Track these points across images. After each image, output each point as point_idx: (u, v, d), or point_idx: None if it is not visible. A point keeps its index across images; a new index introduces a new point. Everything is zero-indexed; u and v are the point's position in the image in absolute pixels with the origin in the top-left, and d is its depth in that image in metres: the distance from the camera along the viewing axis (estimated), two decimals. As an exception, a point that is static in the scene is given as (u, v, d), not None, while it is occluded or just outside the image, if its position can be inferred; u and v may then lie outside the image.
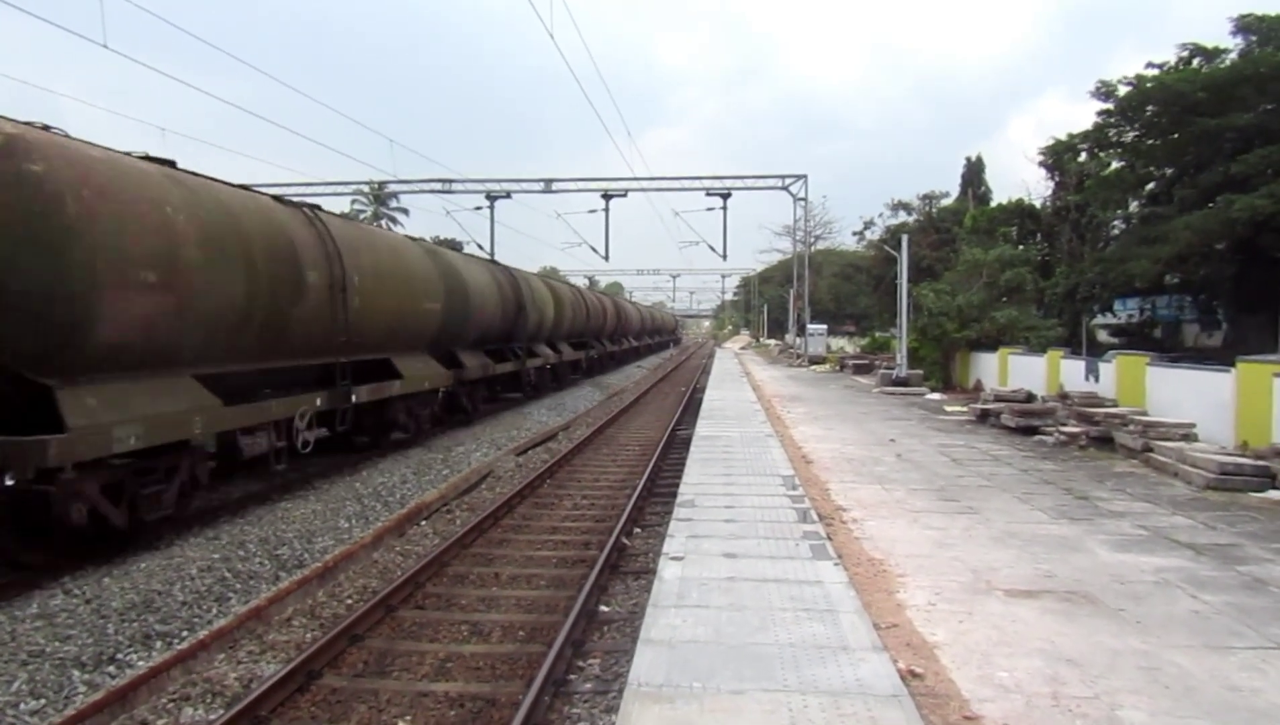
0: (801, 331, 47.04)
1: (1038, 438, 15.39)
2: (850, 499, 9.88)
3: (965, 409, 20.09)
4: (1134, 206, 31.38)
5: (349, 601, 7.58)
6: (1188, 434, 13.08)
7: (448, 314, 16.67)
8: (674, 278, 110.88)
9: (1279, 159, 22.14)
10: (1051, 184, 35.11)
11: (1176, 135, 25.51)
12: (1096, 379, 17.96)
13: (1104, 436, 14.13)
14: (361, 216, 56.38)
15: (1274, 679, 4.93)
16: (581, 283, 56.57)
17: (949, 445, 14.54)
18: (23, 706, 5.40)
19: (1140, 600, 6.31)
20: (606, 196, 39.65)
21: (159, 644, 6.54)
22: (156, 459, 8.69)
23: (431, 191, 41.89)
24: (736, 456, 12.44)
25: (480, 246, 40.79)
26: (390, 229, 31.36)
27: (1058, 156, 31.64)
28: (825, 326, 51.35)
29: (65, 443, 7.21)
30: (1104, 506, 9.69)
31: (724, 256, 43.15)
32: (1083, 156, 31.18)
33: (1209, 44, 27.16)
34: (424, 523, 10.48)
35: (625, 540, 9.21)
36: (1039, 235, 35.74)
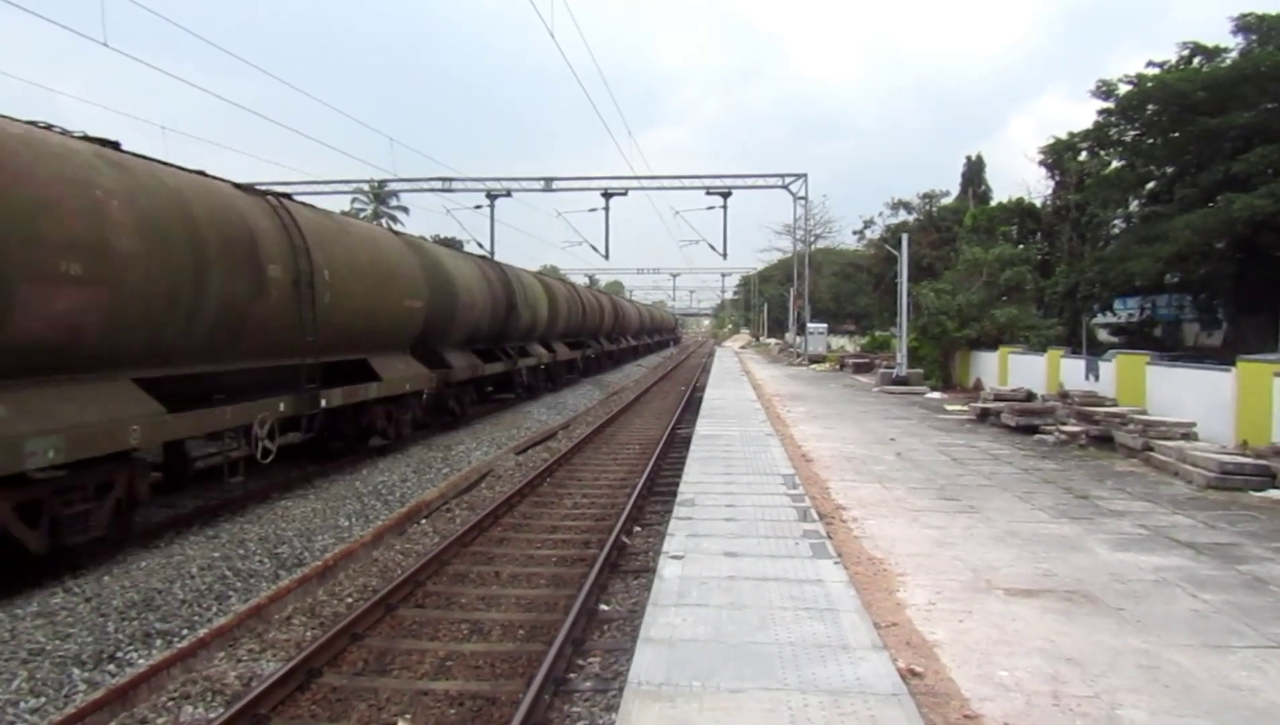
0: (801, 330, 47.03)
1: (1038, 437, 15.38)
2: (850, 498, 9.88)
3: (965, 408, 20.10)
4: (1134, 205, 31.37)
5: (349, 600, 7.58)
6: (1188, 433, 13.09)
7: (432, 312, 15.98)
8: (674, 277, 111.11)
9: (1279, 158, 22.14)
10: (1052, 183, 35.10)
11: (1177, 134, 25.49)
12: (1097, 378, 17.96)
13: (1104, 435, 14.13)
14: (362, 215, 56.38)
15: (1274, 678, 4.93)
16: (582, 282, 56.47)
17: (949, 444, 14.54)
18: (23, 705, 5.40)
19: (1140, 599, 6.31)
20: (607, 195, 39.66)
21: (159, 642, 6.54)
22: (85, 474, 7.79)
23: (432, 190, 41.94)
24: (736, 455, 12.44)
25: (480, 245, 40.83)
26: (390, 227, 31.16)
27: (1058, 155, 31.62)
28: (825, 325, 51.35)
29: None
30: (1104, 505, 9.69)
31: (724, 255, 43.22)
32: (1083, 155, 31.15)
33: (1209, 43, 27.17)
34: (424, 521, 10.48)
35: (625, 539, 9.21)
36: (1039, 234, 35.72)
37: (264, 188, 11.64)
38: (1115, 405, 15.74)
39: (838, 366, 38.62)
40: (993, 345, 25.72)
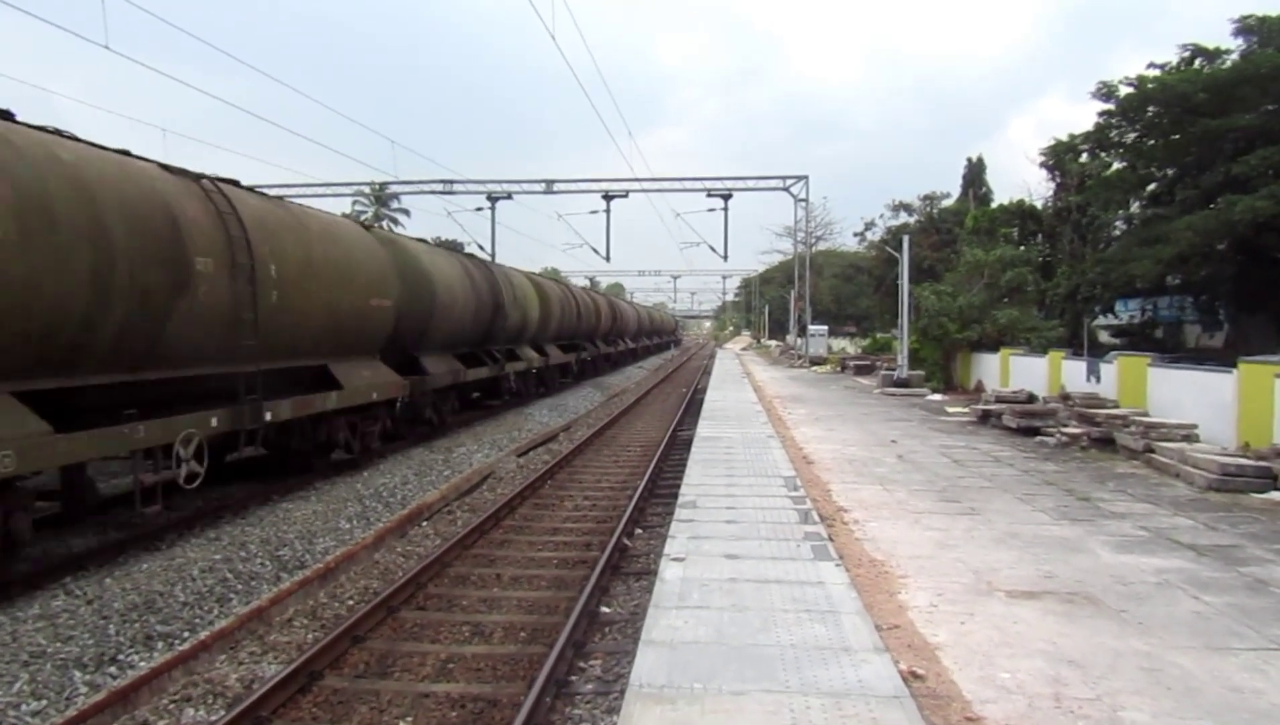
0: (802, 332, 47.02)
1: (1039, 439, 15.37)
2: (852, 500, 9.87)
3: (966, 410, 20.08)
4: (1135, 207, 31.38)
5: (350, 602, 7.58)
6: (1189, 435, 13.07)
7: (405, 312, 14.75)
8: (675, 279, 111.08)
9: (1280, 160, 22.15)
10: (1052, 185, 35.10)
11: (1178, 136, 25.50)
12: (1098, 380, 17.95)
13: (1105, 437, 14.12)
14: (363, 217, 56.40)
15: (1276, 680, 4.92)
16: (583, 284, 56.45)
17: (950, 446, 14.53)
18: (24, 707, 5.40)
19: (1142, 601, 6.31)
20: (607, 197, 39.66)
21: (160, 645, 6.54)
22: None
23: (433, 192, 41.94)
24: (738, 457, 12.44)
25: (481, 247, 40.87)
26: (391, 230, 31.03)
27: (1059, 157, 31.62)
28: (826, 327, 51.35)
29: None
30: (1105, 507, 9.68)
31: (725, 257, 43.19)
32: (1084, 157, 31.15)
33: (1210, 45, 27.18)
34: (425, 523, 10.49)
35: (626, 541, 9.21)
36: (1040, 236, 35.72)
37: (208, 174, 10.19)
38: (1116, 407, 15.73)
39: (839, 368, 38.61)
40: (994, 347, 25.71)
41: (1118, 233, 32.21)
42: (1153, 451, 12.57)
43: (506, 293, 21.24)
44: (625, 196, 40.06)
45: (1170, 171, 28.35)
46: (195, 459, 9.07)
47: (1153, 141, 27.18)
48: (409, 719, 5.31)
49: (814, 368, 40.83)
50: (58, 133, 8.14)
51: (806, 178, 41.55)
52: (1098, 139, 28.48)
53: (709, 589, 6.28)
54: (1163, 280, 27.85)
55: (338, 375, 12.37)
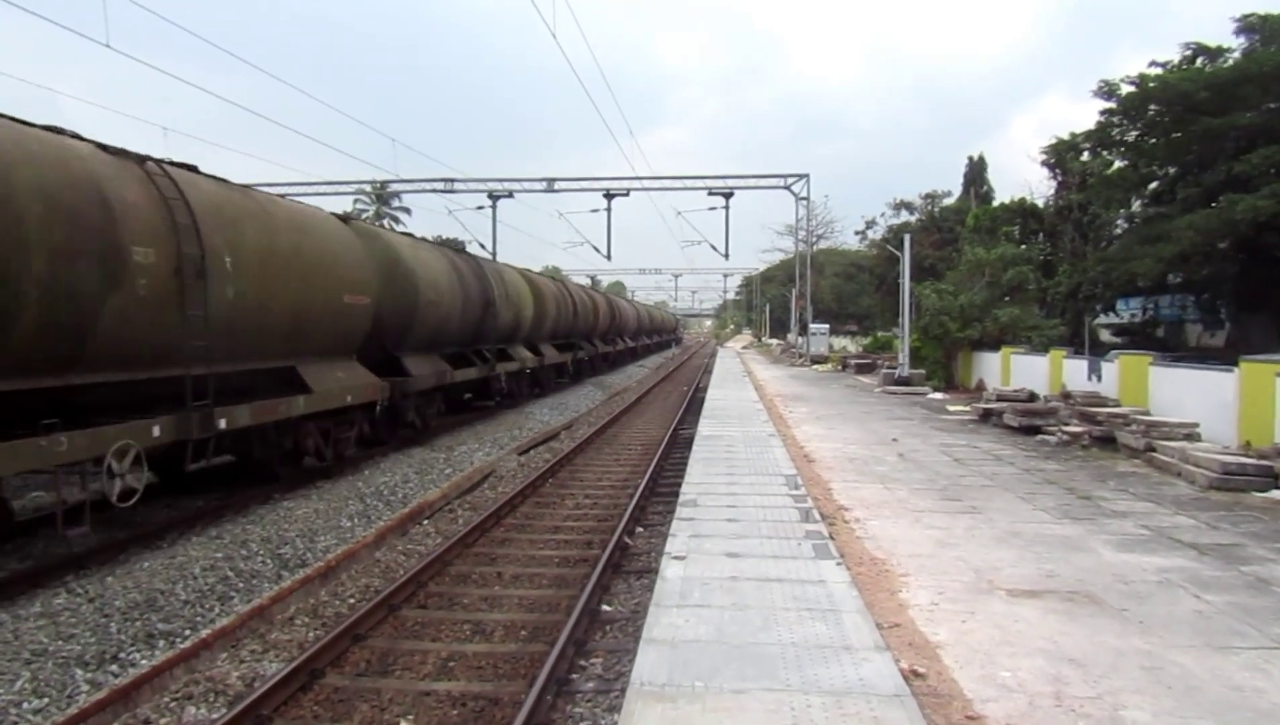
0: (804, 331, 47.02)
1: (1040, 437, 15.37)
2: (853, 498, 9.87)
3: (968, 408, 20.08)
4: (1136, 206, 31.33)
5: (351, 600, 7.59)
6: (1191, 434, 13.07)
7: (385, 310, 14.00)
8: (676, 277, 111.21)
9: (1282, 158, 22.10)
10: (1054, 183, 35.06)
11: (1179, 134, 25.44)
12: (1099, 378, 17.94)
13: (1107, 436, 14.12)
14: (364, 216, 56.41)
15: (1277, 679, 4.92)
16: (584, 282, 56.42)
17: (951, 445, 14.53)
18: (26, 705, 5.41)
19: (1143, 600, 6.31)
20: (608, 196, 39.69)
21: (162, 643, 6.55)
22: None
23: (434, 191, 41.96)
24: (739, 456, 12.44)
25: (483, 246, 40.84)
26: (392, 228, 30.88)
27: (1060, 156, 31.57)
28: (827, 326, 51.37)
29: None
30: (1107, 506, 9.68)
31: (726, 256, 43.29)
32: (1085, 156, 31.10)
33: (1211, 43, 27.13)
34: (426, 522, 10.49)
35: (627, 539, 9.21)
36: (1041, 234, 35.68)
37: (159, 159, 9.34)
38: (1118, 406, 15.72)
39: (840, 367, 38.61)
40: (995, 346, 25.71)
41: (1119, 231, 32.18)
42: (1154, 450, 12.56)
43: (498, 290, 20.43)
44: (626, 195, 40.11)
45: (1172, 170, 28.31)
46: (135, 473, 8.10)
47: (1154, 140, 27.14)
48: (410, 717, 5.31)
49: (815, 366, 40.82)
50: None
51: (808, 176, 41.59)
52: (1099, 137, 28.43)
53: (710, 587, 6.29)
54: (1164, 279, 27.81)
55: (307, 378, 11.49)
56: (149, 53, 19.37)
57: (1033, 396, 18.55)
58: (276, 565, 8.54)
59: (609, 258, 41.97)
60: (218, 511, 10.13)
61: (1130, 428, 13.61)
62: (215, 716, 5.22)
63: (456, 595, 7.65)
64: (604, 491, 12.08)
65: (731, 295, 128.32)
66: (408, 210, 65.49)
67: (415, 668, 6.08)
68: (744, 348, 75.73)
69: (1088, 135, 28.76)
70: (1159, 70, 26.74)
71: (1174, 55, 27.84)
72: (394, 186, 47.17)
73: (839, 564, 6.90)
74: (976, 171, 50.71)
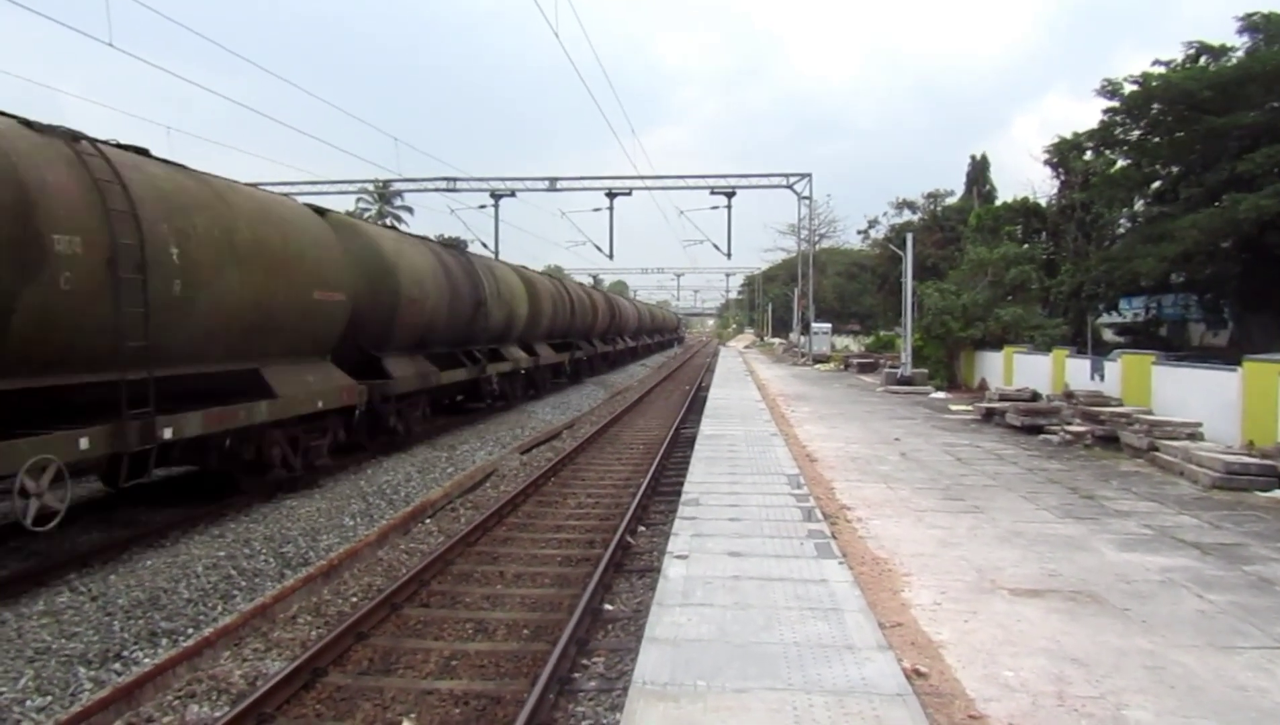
0: (806, 330, 47.02)
1: (1043, 437, 15.35)
2: (855, 498, 9.87)
3: (970, 408, 20.06)
4: (1139, 205, 31.30)
5: (354, 599, 7.60)
6: (1193, 433, 13.05)
7: (363, 308, 13.22)
8: (678, 276, 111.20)
9: (1285, 158, 22.05)
10: (1056, 182, 35.03)
11: (1182, 134, 25.40)
12: (1102, 378, 17.92)
13: (1109, 435, 14.10)
14: (366, 215, 56.45)
15: (1280, 679, 4.91)
16: (586, 281, 56.38)
17: (954, 444, 14.52)
18: (29, 703, 5.42)
19: (1146, 600, 6.30)
20: (611, 195, 39.68)
21: (165, 641, 6.56)
22: None
23: (436, 190, 41.96)
24: (741, 455, 12.43)
25: (485, 245, 40.78)
26: (395, 227, 30.77)
27: (1063, 155, 31.55)
28: (830, 325, 51.44)
29: None
30: (1109, 506, 9.67)
31: (728, 255, 43.44)
32: (1088, 155, 31.08)
33: (1215, 42, 27.10)
34: (428, 520, 10.50)
35: (630, 538, 9.21)
36: (1044, 234, 35.65)
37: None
38: (1120, 405, 15.71)
39: (842, 366, 38.60)
40: (997, 345, 25.69)
41: (1122, 230, 32.14)
42: (1157, 450, 12.54)
43: (489, 287, 19.58)
44: (629, 194, 40.10)
45: (1175, 169, 28.27)
46: (57, 491, 7.33)
47: (1157, 139, 27.10)
48: (412, 716, 5.31)
49: (817, 366, 40.82)
50: None
51: (810, 175, 41.54)
52: (1102, 136, 28.39)
53: (712, 586, 6.28)
54: (1167, 278, 27.79)
55: (271, 381, 10.65)
56: (151, 52, 19.36)
57: (1035, 396, 18.53)
58: (279, 564, 8.55)
59: (611, 257, 42.00)
60: (220, 510, 10.14)
61: (1133, 427, 13.59)
62: (218, 715, 5.23)
63: (459, 594, 7.65)
64: (606, 490, 12.08)
65: (734, 295, 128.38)
66: (410, 210, 65.64)
67: (418, 666, 6.08)
68: (746, 347, 75.71)
69: (1090, 134, 28.73)
70: (1162, 69, 26.70)
71: (1177, 54, 27.84)
72: (397, 186, 47.22)
73: (841, 563, 6.90)
74: (979, 171, 50.66)
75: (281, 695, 5.42)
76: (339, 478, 12.28)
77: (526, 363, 23.22)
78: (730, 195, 39.69)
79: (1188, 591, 6.51)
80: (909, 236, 30.18)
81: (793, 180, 41.68)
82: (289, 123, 65.15)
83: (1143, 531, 8.44)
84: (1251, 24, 25.92)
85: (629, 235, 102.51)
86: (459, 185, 41.30)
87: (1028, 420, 16.20)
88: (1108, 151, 29.93)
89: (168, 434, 8.61)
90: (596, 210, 41.13)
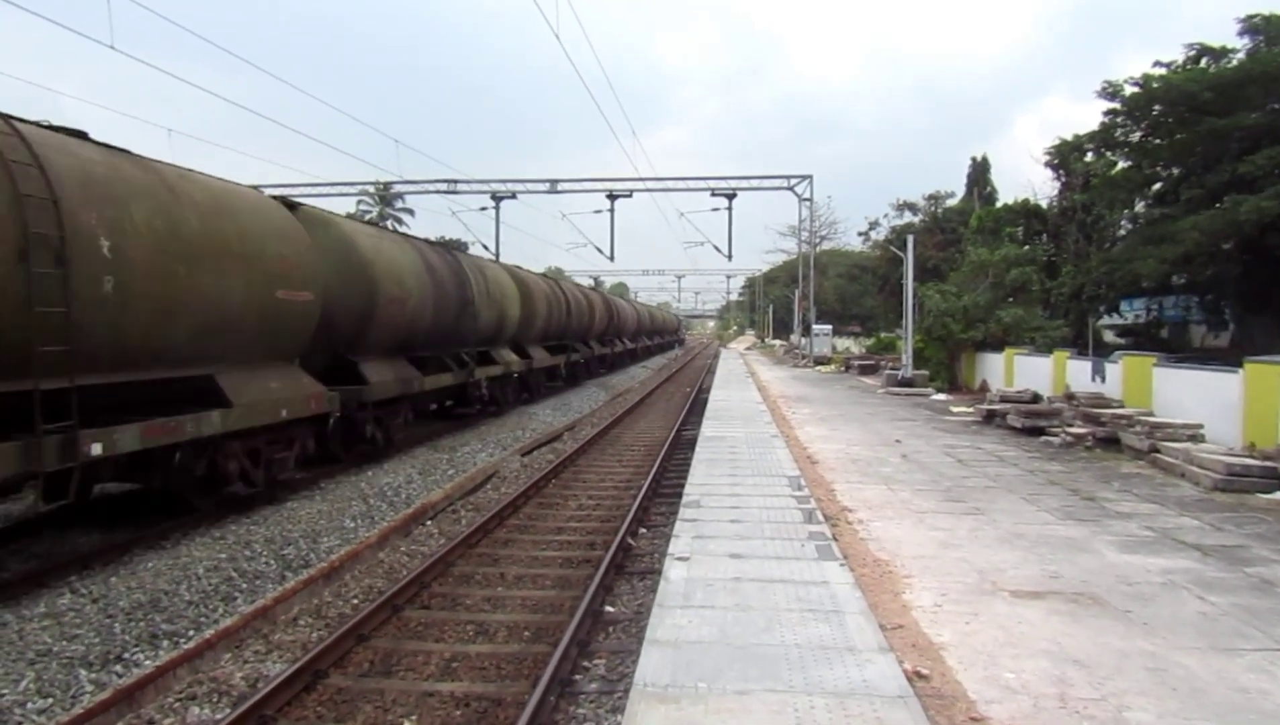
0: (807, 332, 47.03)
1: (1044, 438, 15.34)
2: (856, 500, 9.86)
3: (971, 410, 20.06)
4: (1140, 207, 31.30)
5: (355, 601, 7.59)
6: (1195, 435, 13.04)
7: (336, 308, 12.34)
8: (679, 278, 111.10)
9: (1286, 159, 22.05)
10: (1057, 184, 35.05)
11: (1183, 135, 25.41)
12: (1103, 379, 17.91)
13: (1110, 437, 14.10)
14: (367, 217, 56.48)
15: (1282, 681, 4.91)
16: (587, 283, 56.35)
17: (955, 446, 14.51)
18: (30, 705, 5.43)
19: (1147, 601, 6.29)
20: (611, 197, 39.70)
21: (166, 643, 6.57)
22: None
23: (437, 192, 41.99)
24: (742, 457, 12.43)
25: (486, 247, 40.84)
26: (395, 229, 30.58)
27: (1063, 156, 31.57)
28: (830, 327, 51.46)
29: None
30: (1110, 507, 9.66)
31: (729, 257, 43.38)
32: (1089, 156, 31.09)
33: (1216, 44, 27.11)
34: (429, 523, 10.50)
35: (631, 541, 9.21)
36: (1045, 235, 35.66)
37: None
38: (1121, 407, 15.69)
39: (843, 368, 38.61)
40: (998, 347, 25.68)
41: (1123, 232, 32.15)
42: (1158, 451, 12.54)
43: (477, 286, 18.62)
44: (629, 196, 40.11)
45: (1176, 171, 28.28)
46: None
47: (1158, 141, 27.10)
48: (413, 718, 5.31)
49: (818, 367, 40.82)
50: None
51: (810, 177, 41.56)
52: (1103, 138, 28.40)
53: (713, 588, 6.28)
54: (1168, 280, 27.79)
55: (227, 389, 9.73)
56: (152, 53, 19.38)
57: (1036, 397, 18.53)
58: (280, 566, 8.55)
59: (612, 259, 42.00)
60: (221, 512, 10.14)
61: (1134, 429, 13.58)
62: (219, 717, 5.23)
63: (460, 596, 7.65)
64: (607, 492, 12.08)
65: (734, 296, 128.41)
66: (411, 211, 65.71)
67: (419, 668, 6.08)
68: (747, 349, 75.72)
69: (1091, 136, 28.75)
70: (1163, 71, 26.72)
71: (1178, 56, 27.84)
72: (397, 187, 47.22)
73: (842, 565, 6.90)
74: (979, 172, 50.70)
75: (282, 697, 5.42)
76: (340, 480, 12.28)
77: (519, 366, 22.46)
78: (731, 197, 39.71)
79: (1189, 593, 6.51)
80: (910, 238, 30.18)
81: (793, 182, 41.69)
82: (290, 125, 65.28)
83: (1144, 533, 8.44)
84: (1252, 26, 25.93)
85: (630, 237, 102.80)
86: (460, 187, 41.33)
87: (1029, 422, 16.20)
88: (1108, 153, 29.94)
89: (96, 450, 7.66)
90: (597, 212, 41.19)
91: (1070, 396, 17.10)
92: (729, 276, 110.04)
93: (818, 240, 59.14)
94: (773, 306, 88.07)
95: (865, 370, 34.38)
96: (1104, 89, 26.80)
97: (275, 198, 12.10)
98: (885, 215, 57.17)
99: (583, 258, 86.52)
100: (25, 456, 7.01)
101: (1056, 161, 32.72)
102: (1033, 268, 29.83)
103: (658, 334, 65.68)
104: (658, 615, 5.72)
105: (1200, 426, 13.26)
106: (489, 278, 20.19)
